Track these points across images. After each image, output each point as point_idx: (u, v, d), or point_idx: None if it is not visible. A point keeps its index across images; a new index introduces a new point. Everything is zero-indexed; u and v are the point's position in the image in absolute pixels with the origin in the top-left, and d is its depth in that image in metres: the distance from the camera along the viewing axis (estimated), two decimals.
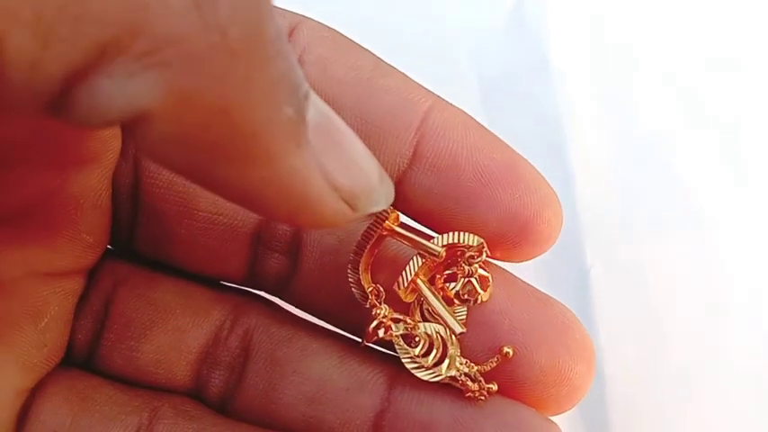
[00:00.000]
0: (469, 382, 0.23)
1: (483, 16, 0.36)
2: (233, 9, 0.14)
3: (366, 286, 0.23)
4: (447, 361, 0.23)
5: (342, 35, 0.24)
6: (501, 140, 0.23)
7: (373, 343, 0.23)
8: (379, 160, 0.22)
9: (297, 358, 0.23)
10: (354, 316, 0.24)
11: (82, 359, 0.24)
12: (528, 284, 0.24)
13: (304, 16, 0.24)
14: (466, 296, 0.23)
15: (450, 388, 0.23)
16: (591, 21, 0.36)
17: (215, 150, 0.15)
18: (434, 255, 0.23)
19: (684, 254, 0.33)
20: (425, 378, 0.23)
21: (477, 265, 0.23)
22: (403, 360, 0.23)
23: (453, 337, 0.23)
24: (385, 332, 0.23)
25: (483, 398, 0.22)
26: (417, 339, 0.23)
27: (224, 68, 0.14)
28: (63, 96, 0.14)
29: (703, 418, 0.31)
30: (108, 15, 0.13)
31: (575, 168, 0.34)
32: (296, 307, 0.25)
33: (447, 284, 0.23)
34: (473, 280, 0.23)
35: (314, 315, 0.25)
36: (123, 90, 0.14)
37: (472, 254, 0.23)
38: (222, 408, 0.24)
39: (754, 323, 0.32)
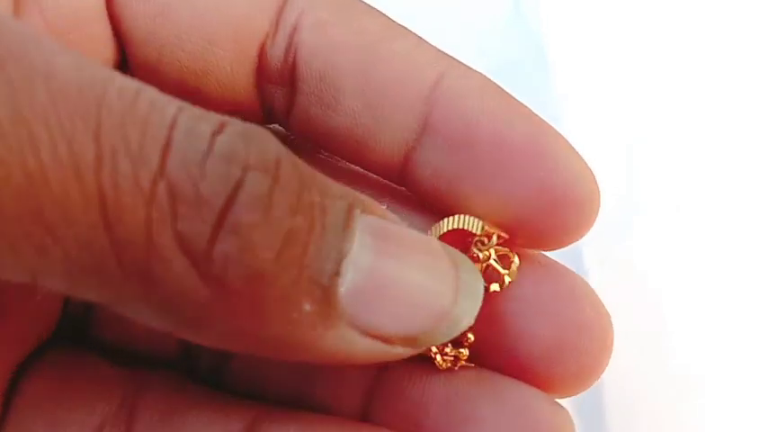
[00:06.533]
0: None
1: (483, 11, 0.35)
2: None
3: None
4: None
5: None
6: (524, 106, 0.20)
7: None
8: (384, 138, 0.20)
9: None
10: None
11: (72, 332, 0.24)
12: (534, 251, 0.21)
13: None
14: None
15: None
16: (590, 15, 0.35)
17: (256, 351, 0.16)
18: None
19: (684, 254, 0.31)
20: None
21: (491, 248, 0.20)
22: None
23: None
24: None
25: (449, 365, 0.21)
26: None
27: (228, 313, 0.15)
28: None
29: (704, 419, 0.30)
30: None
31: None
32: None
33: None
34: (492, 263, 0.20)
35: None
36: None
37: (481, 239, 0.20)
38: (212, 380, 0.23)
39: (756, 324, 0.31)
